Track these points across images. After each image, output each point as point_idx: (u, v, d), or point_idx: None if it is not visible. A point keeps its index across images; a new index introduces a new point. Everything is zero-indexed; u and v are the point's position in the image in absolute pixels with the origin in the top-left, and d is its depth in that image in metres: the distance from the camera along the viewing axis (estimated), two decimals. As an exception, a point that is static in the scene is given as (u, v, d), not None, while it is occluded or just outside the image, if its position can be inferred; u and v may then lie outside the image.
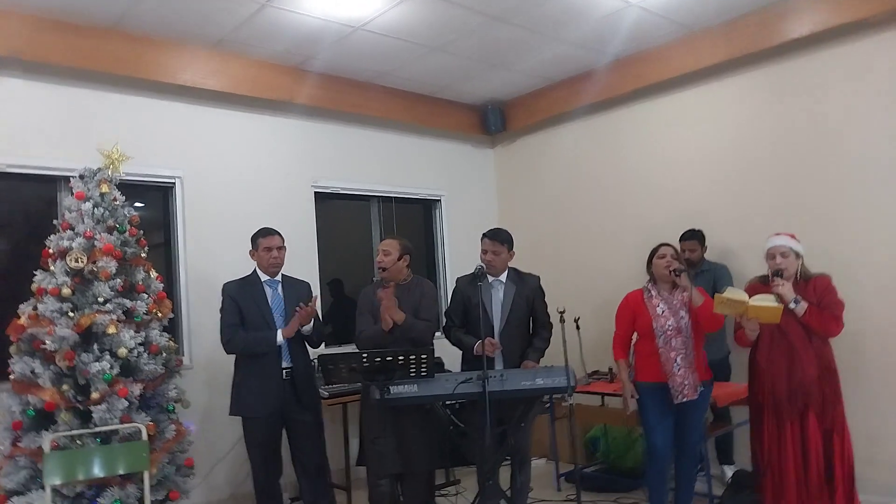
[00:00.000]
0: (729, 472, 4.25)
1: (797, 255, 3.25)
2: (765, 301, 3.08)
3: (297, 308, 3.25)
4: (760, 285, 3.28)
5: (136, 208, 4.36)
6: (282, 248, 3.44)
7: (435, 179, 5.85)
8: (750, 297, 3.11)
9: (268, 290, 3.42)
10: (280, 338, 3.27)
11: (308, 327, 3.38)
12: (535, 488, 4.28)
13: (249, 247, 3.56)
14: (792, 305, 3.14)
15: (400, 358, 3.00)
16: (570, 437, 3.02)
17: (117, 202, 3.25)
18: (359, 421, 3.69)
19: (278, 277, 3.49)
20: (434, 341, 3.58)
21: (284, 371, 3.31)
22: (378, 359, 3.02)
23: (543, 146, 5.87)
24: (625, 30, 4.47)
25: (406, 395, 3.16)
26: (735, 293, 3.15)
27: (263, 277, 3.44)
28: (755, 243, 3.53)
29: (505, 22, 4.20)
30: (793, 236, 3.29)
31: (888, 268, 3.91)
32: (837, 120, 4.12)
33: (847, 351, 3.71)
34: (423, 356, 3.05)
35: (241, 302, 3.34)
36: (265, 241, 3.43)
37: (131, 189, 3.96)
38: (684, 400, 3.29)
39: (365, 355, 3.03)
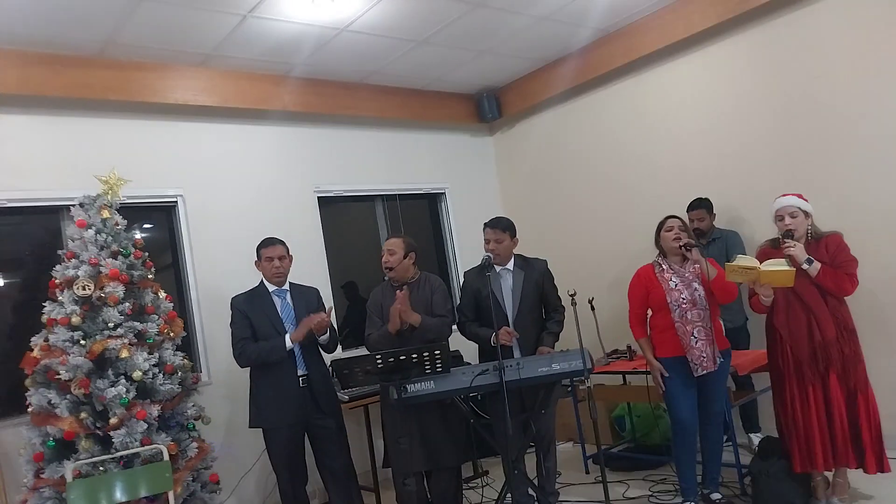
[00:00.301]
0: (756, 439, 4.21)
1: (806, 215, 3.19)
2: (776, 265, 3.02)
3: (318, 321, 3.24)
4: (771, 249, 3.23)
5: (144, 230, 4.44)
6: (284, 258, 3.43)
7: (437, 173, 5.82)
8: (761, 262, 3.06)
9: (276, 300, 3.42)
10: (289, 343, 3.26)
11: (324, 337, 3.38)
12: (564, 472, 4.28)
13: (256, 258, 3.56)
14: (805, 266, 3.08)
15: (414, 356, 2.99)
16: (591, 419, 2.99)
17: (119, 226, 3.26)
18: (381, 422, 3.69)
19: (286, 286, 3.49)
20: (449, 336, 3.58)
21: (301, 379, 3.31)
22: (392, 359, 3.01)
23: (541, 129, 5.82)
24: (610, 2, 4.40)
25: (423, 393, 3.16)
26: (746, 260, 3.11)
27: (271, 288, 3.44)
28: (763, 207, 3.46)
29: (483, 6, 4.15)
30: (800, 195, 3.22)
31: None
32: (837, 72, 4.03)
33: (866, 308, 3.66)
34: (437, 352, 3.03)
35: (251, 314, 3.34)
36: (266, 252, 3.43)
37: (135, 212, 3.98)
38: (703, 373, 3.25)
39: (378, 356, 3.02)
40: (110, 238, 3.17)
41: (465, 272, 3.78)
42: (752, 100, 4.44)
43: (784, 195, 3.26)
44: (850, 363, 3.09)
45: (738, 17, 4.34)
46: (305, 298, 3.48)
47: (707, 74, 4.66)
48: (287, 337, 3.28)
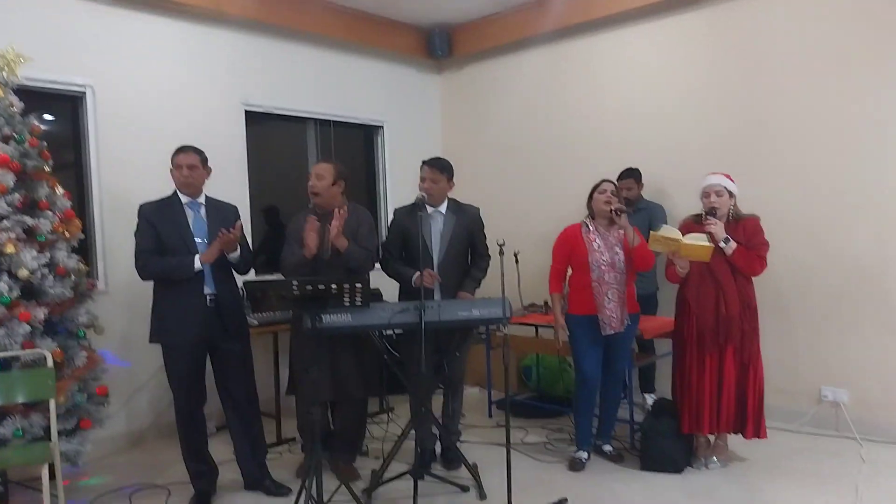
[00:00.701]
0: (650, 399, 4.45)
1: (731, 195, 3.31)
2: (697, 240, 3.15)
3: (220, 233, 3.05)
4: (694, 224, 3.35)
5: (46, 122, 4.01)
6: (195, 167, 3.16)
7: (377, 104, 5.61)
8: (683, 236, 3.16)
9: (189, 213, 3.17)
10: (198, 263, 3.06)
11: (234, 255, 3.19)
12: (468, 415, 4.38)
13: (171, 166, 3.29)
14: (722, 244, 3.22)
15: (333, 287, 2.89)
16: (504, 366, 3.04)
17: (14, 109, 2.89)
18: (289, 350, 3.59)
19: (202, 199, 3.24)
20: (371, 271, 3.49)
21: (208, 298, 3.13)
22: (310, 287, 2.90)
23: (491, 75, 5.69)
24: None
25: (339, 325, 3.10)
26: (669, 231, 3.22)
27: (184, 199, 3.20)
28: (689, 184, 3.55)
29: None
30: (728, 176, 3.34)
31: (810, 209, 4.04)
32: (782, 65, 4.13)
33: (769, 290, 3.88)
34: (358, 286, 2.94)
35: (160, 225, 3.09)
36: (177, 158, 3.16)
37: (36, 98, 3.58)
38: (611, 332, 3.38)
39: (296, 283, 2.89)
40: (2, 120, 2.81)
41: (395, 209, 3.68)
42: (697, 79, 4.50)
43: (713, 174, 3.36)
44: (748, 338, 3.30)
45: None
46: (222, 215, 3.25)
47: (659, 47, 4.67)
48: (197, 257, 3.07)
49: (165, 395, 4.11)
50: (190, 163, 3.13)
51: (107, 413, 3.14)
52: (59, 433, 2.75)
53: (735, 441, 3.55)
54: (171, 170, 3.21)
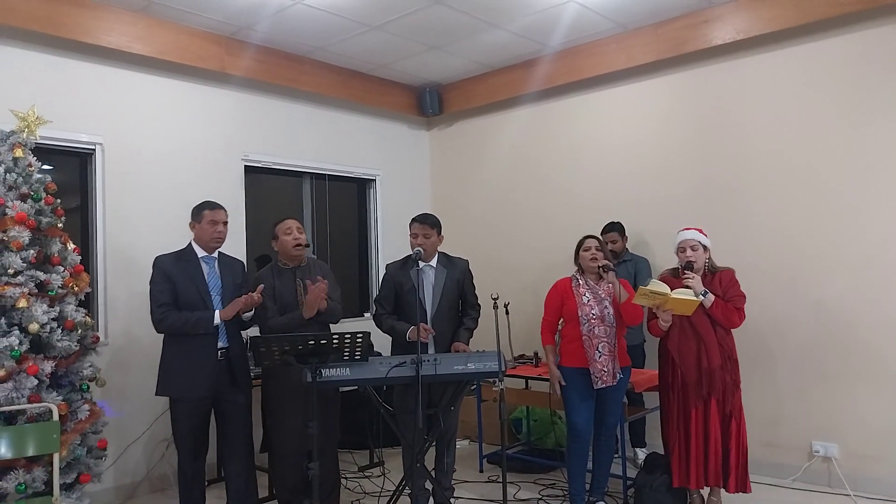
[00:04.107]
0: (641, 454, 4.46)
1: (705, 249, 3.41)
2: (684, 294, 3.24)
3: (246, 294, 3.14)
4: (671, 278, 3.42)
5: (47, 171, 4.11)
6: (226, 224, 3.29)
7: (370, 158, 5.79)
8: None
9: (204, 267, 3.26)
10: (218, 319, 3.14)
11: (249, 314, 3.30)
12: (459, 469, 4.35)
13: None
14: (700, 297, 3.29)
15: (335, 341, 2.97)
16: (499, 420, 3.09)
17: (32, 168, 3.01)
18: (262, 407, 3.54)
19: (215, 254, 3.34)
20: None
21: (220, 352, 3.19)
22: (312, 342, 2.97)
23: (478, 132, 5.92)
24: (564, 24, 4.58)
25: (338, 379, 3.14)
26: (657, 286, 3.28)
27: (200, 253, 3.28)
28: (672, 236, 3.60)
29: (446, 5, 4.19)
30: (701, 230, 3.44)
31: (787, 263, 4.18)
32: (751, 123, 4.36)
33: (749, 342, 3.96)
34: (359, 339, 3.02)
35: (177, 278, 3.16)
36: (212, 214, 3.24)
37: (47, 154, 3.70)
38: (603, 386, 3.42)
39: (299, 338, 2.97)
40: (20, 179, 2.92)
41: (386, 265, 3.77)
42: (675, 136, 4.71)
43: (686, 229, 3.46)
44: (730, 390, 3.32)
45: (675, 58, 4.62)
46: (232, 270, 3.36)
47: (639, 106, 4.91)
48: (217, 313, 3.15)
49: (158, 448, 4.13)
50: (224, 219, 3.28)
51: (105, 466, 3.14)
52: (59, 487, 2.75)
53: (729, 498, 3.51)
54: (191, 223, 3.28)
